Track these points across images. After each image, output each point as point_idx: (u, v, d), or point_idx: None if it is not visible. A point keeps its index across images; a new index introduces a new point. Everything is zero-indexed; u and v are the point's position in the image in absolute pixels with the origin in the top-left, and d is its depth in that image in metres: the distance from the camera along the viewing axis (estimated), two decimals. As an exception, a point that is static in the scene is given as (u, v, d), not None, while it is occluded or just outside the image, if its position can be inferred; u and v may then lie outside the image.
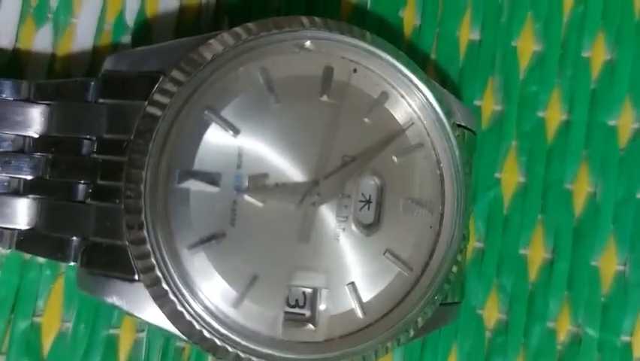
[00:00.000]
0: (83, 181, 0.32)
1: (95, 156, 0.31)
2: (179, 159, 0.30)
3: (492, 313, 0.37)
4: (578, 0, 0.38)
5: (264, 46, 0.31)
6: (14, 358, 0.35)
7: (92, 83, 0.32)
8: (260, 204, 0.31)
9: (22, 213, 0.33)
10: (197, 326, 0.30)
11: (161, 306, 0.30)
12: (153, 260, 0.29)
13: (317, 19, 0.31)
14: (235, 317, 0.30)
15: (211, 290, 0.30)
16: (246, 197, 0.31)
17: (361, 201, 0.32)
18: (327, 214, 0.31)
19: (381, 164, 0.32)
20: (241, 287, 0.30)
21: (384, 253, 0.32)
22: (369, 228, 0.32)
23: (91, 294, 0.32)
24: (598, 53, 0.38)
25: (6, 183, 0.33)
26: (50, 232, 0.32)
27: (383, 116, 0.32)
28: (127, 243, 0.30)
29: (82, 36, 0.36)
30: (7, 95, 0.33)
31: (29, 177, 0.33)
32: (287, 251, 0.31)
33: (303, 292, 0.31)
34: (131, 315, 0.31)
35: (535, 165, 0.38)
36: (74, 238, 0.32)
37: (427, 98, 0.32)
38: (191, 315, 0.30)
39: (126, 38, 0.36)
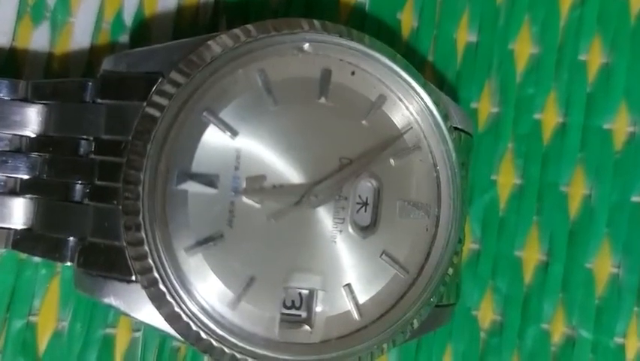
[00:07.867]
0: (80, 181, 0.32)
1: (93, 156, 0.31)
2: (177, 160, 0.30)
3: (487, 314, 0.37)
4: (574, 4, 0.38)
5: (263, 48, 0.31)
6: (10, 357, 0.35)
7: (90, 84, 0.32)
8: (257, 206, 0.31)
9: (18, 212, 0.33)
10: (194, 327, 0.30)
11: (158, 307, 0.30)
12: (151, 261, 0.30)
13: (316, 21, 0.31)
14: (232, 318, 0.30)
15: (208, 291, 0.30)
16: (244, 198, 0.31)
17: (358, 204, 0.32)
18: (324, 216, 0.31)
19: (378, 166, 0.32)
20: (238, 289, 0.30)
21: (380, 255, 0.32)
22: (366, 230, 0.32)
23: (88, 294, 0.32)
24: (594, 57, 0.38)
25: (3, 183, 0.33)
26: (47, 232, 0.32)
27: (381, 119, 0.32)
28: (124, 244, 0.30)
29: (80, 35, 0.36)
30: (4, 94, 0.33)
31: (26, 177, 0.33)
32: (284, 253, 0.31)
33: (300, 294, 0.31)
34: (128, 316, 0.31)
35: (530, 168, 0.38)
36: (71, 238, 0.32)
37: (424, 102, 0.32)
38: (188, 316, 0.30)
39: (124, 38, 0.36)
